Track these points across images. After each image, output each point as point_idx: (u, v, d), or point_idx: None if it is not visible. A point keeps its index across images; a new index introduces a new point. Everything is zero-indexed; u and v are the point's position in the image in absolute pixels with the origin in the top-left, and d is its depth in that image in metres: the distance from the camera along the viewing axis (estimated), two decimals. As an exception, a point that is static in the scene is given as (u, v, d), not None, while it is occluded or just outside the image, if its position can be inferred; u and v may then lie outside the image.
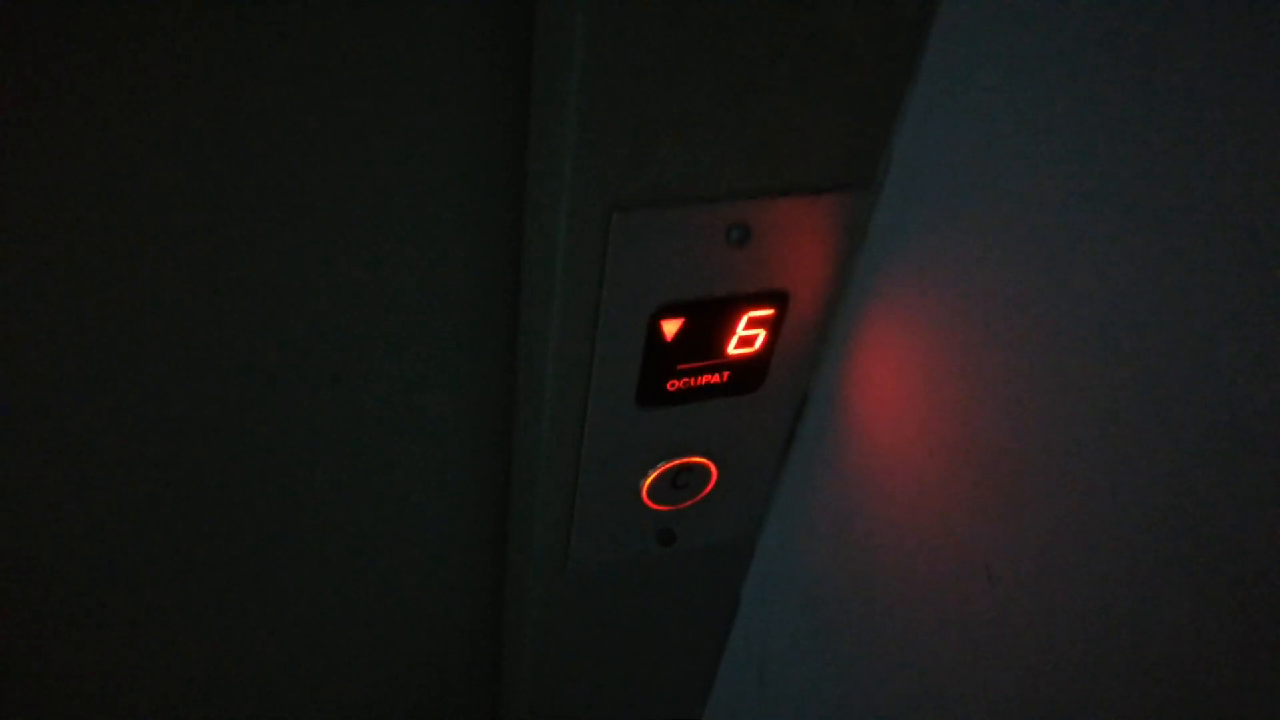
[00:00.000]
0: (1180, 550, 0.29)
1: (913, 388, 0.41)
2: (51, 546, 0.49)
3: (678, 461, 0.49)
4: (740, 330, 0.44)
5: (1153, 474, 0.30)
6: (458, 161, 0.42)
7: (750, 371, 0.46)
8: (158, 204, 0.39)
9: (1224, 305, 0.27)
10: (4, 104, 0.35)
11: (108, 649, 0.56)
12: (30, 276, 0.40)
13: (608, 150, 0.35)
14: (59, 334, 0.42)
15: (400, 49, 0.38)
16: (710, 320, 0.43)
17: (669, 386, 0.45)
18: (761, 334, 0.45)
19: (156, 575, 0.53)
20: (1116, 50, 0.29)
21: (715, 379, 0.46)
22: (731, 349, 0.45)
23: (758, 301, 0.43)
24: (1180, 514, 0.29)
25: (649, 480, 0.49)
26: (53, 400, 0.44)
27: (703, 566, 0.58)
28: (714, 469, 0.50)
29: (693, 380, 0.45)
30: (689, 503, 0.52)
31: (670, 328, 0.42)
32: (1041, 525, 0.35)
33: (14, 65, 0.34)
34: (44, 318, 0.41)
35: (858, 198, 0.41)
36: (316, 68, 0.38)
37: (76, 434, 0.45)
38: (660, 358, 0.43)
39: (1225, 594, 0.28)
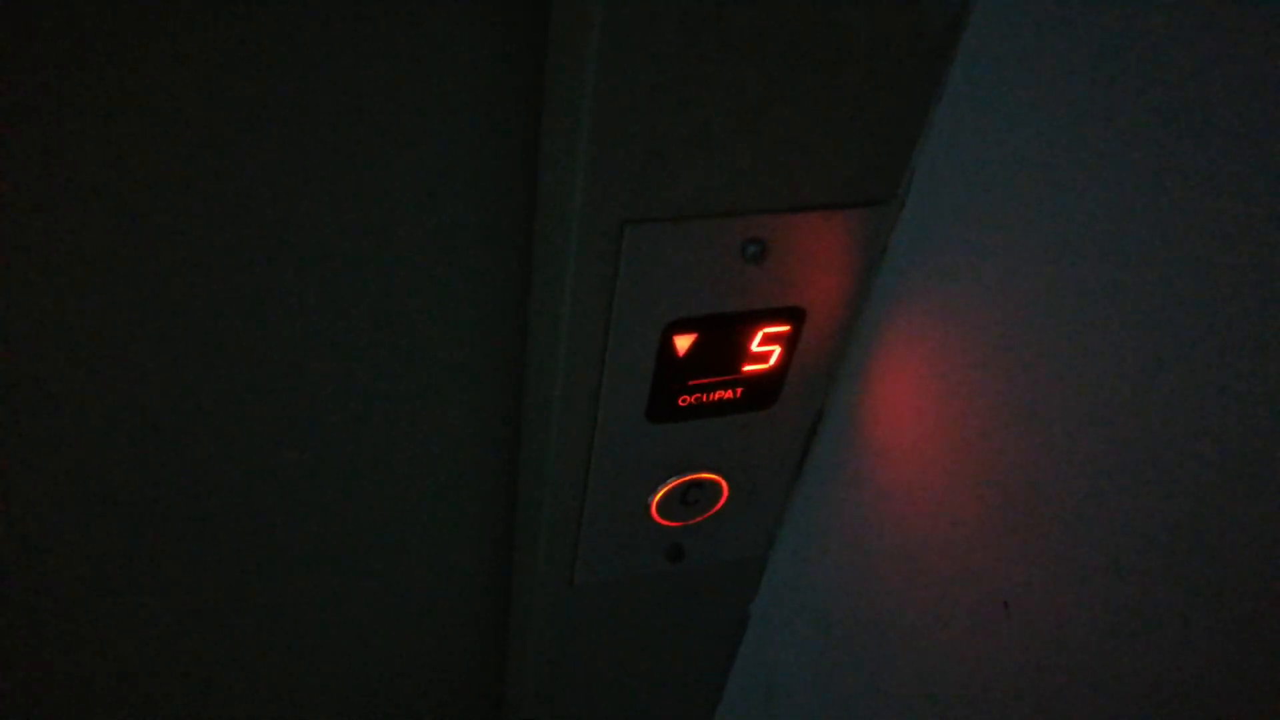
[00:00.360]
0: (1203, 583, 0.28)
1: (931, 409, 0.40)
2: (56, 545, 0.49)
3: (688, 477, 0.48)
4: (755, 346, 0.43)
5: (1176, 506, 0.29)
6: (468, 172, 0.42)
7: (764, 388, 0.45)
8: (165, 207, 0.39)
9: (1259, 331, 0.26)
10: (41, 106, 0.35)
11: (111, 647, 0.55)
12: (44, 277, 0.39)
13: (621, 164, 0.34)
14: (70, 337, 0.42)
15: (410, 55, 0.37)
16: (724, 336, 0.42)
17: (680, 402, 0.44)
18: (777, 350, 0.44)
19: (163, 581, 0.53)
20: (1148, 66, 0.28)
21: (728, 395, 0.45)
22: (745, 365, 0.44)
23: (773, 318, 0.42)
24: (1204, 547, 0.28)
25: (658, 496, 0.48)
26: (63, 402, 0.44)
27: (712, 583, 0.57)
28: (725, 485, 0.50)
29: (705, 396, 0.44)
30: (699, 519, 0.51)
31: (683, 343, 0.41)
32: (1062, 557, 0.34)
33: (41, 67, 0.34)
34: (55, 319, 0.41)
35: (879, 213, 0.40)
36: (334, 83, 0.37)
37: (88, 436, 0.45)
38: (672, 373, 0.43)
39: (1249, 629, 0.27)
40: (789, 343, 0.43)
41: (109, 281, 0.40)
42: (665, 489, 0.48)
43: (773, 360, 0.44)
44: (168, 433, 0.46)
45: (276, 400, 0.47)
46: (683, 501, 0.49)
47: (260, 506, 0.51)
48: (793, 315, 0.42)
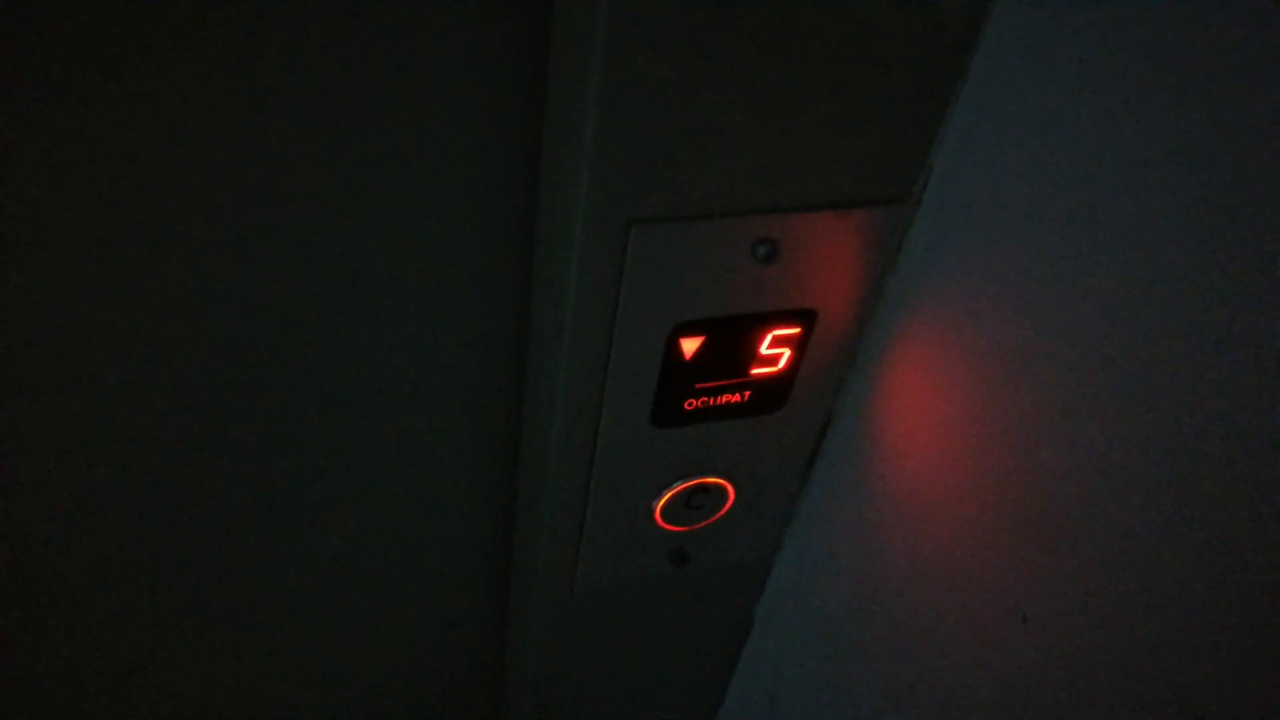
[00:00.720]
0: (1223, 596, 0.28)
1: (944, 414, 0.39)
2: (60, 548, 0.49)
3: (694, 482, 0.47)
4: (764, 349, 0.42)
5: (1200, 515, 0.29)
6: (469, 170, 0.41)
7: (773, 392, 0.44)
8: (163, 207, 0.38)
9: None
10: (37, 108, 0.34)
11: (111, 648, 0.55)
12: (40, 279, 0.39)
13: (627, 162, 0.33)
14: (67, 337, 0.41)
15: (411, 51, 0.37)
16: (732, 338, 0.41)
17: (686, 406, 0.43)
18: (786, 353, 0.42)
19: (163, 582, 0.53)
20: (1176, 63, 0.27)
21: (735, 399, 0.44)
22: (754, 368, 0.43)
23: (783, 320, 0.41)
24: (1223, 559, 0.28)
25: (663, 501, 0.47)
26: (61, 404, 0.43)
27: (716, 586, 0.56)
28: (731, 490, 0.49)
29: (711, 400, 0.43)
30: (704, 523, 0.50)
31: (689, 346, 0.40)
32: (1082, 567, 0.33)
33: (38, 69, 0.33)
34: (50, 320, 0.40)
35: (893, 213, 0.39)
36: (335, 82, 0.37)
37: (90, 438, 0.45)
38: (678, 376, 0.41)
39: (1269, 639, 0.27)
40: (799, 345, 0.42)
41: (107, 282, 0.40)
42: (670, 494, 0.47)
43: (782, 363, 0.43)
44: (167, 434, 0.46)
45: (276, 402, 0.46)
46: (687, 506, 0.48)
47: (260, 509, 0.51)
48: (803, 317, 0.41)
